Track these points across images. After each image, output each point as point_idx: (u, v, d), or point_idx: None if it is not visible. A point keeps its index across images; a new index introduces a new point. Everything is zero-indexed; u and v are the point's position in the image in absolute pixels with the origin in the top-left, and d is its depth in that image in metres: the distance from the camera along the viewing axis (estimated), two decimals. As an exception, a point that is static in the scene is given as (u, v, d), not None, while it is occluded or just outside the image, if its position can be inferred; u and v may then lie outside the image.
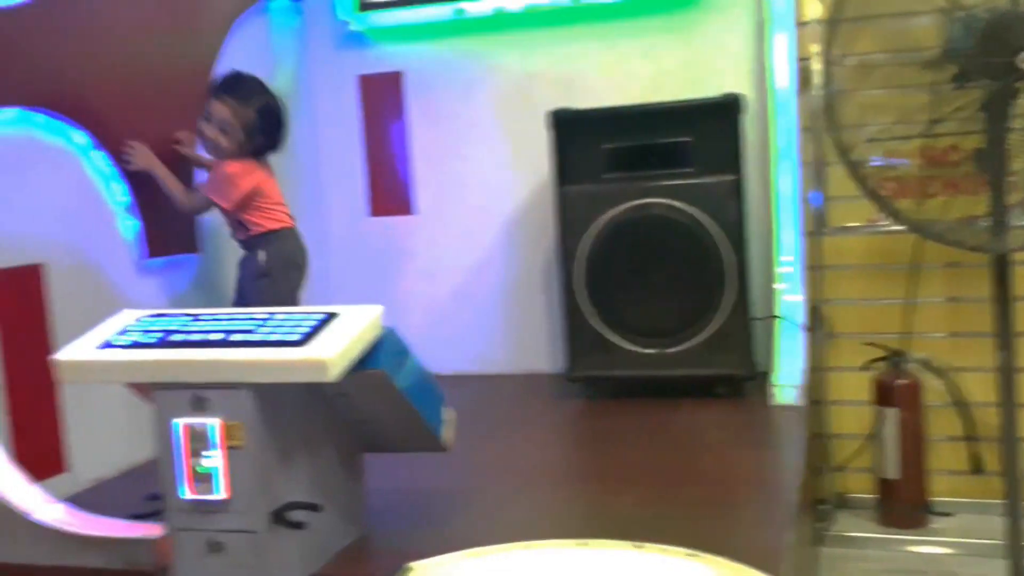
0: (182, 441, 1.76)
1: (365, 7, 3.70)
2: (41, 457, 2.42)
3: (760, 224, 3.31)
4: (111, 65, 2.77)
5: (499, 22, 3.61)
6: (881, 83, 2.97)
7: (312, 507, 1.82)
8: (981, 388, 3.09)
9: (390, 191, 3.80)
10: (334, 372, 1.71)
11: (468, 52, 3.67)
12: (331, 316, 1.83)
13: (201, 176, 3.02)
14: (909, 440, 3.07)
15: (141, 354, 1.81)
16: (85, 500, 2.27)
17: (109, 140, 2.73)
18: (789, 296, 3.17)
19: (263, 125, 2.89)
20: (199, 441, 1.76)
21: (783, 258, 3.21)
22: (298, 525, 1.78)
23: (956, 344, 3.19)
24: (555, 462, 2.73)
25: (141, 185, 2.84)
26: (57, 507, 2.06)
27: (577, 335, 3.17)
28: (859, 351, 3.19)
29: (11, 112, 2.46)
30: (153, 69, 2.95)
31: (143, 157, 2.80)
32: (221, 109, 2.85)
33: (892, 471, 3.09)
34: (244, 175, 2.87)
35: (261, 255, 2.92)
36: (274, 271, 2.92)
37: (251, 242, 2.94)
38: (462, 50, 3.68)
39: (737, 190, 3.05)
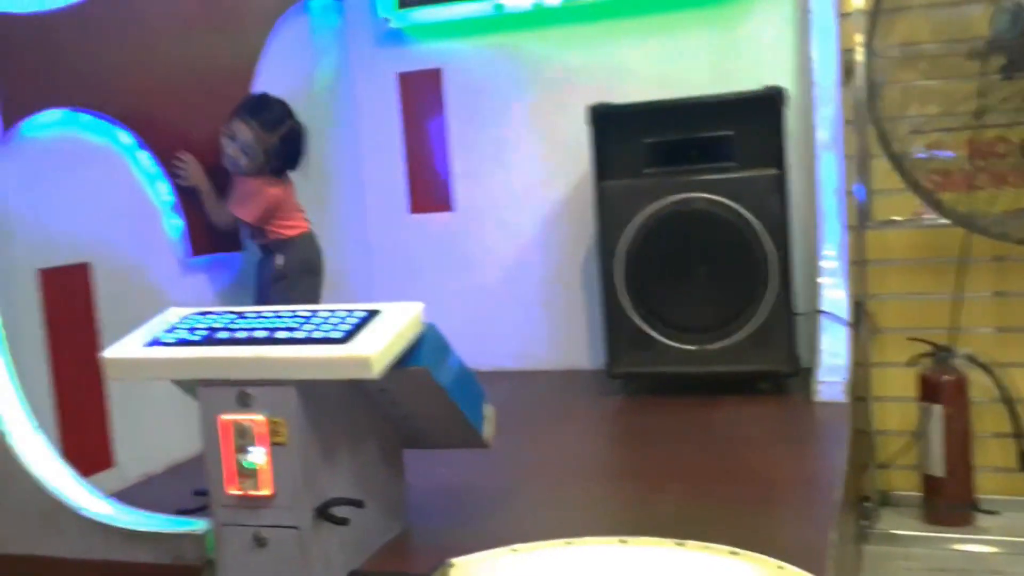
0: (227, 437, 1.78)
1: (404, 4, 3.72)
2: (89, 453, 2.46)
3: (803, 218, 3.28)
4: (155, 65, 2.81)
5: (538, 17, 3.61)
6: (925, 74, 2.94)
7: (355, 503, 1.83)
8: (1029, 384, 3.05)
9: (430, 188, 3.81)
10: (377, 369, 1.72)
11: (507, 48, 3.67)
12: (373, 313, 1.84)
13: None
14: (955, 437, 3.03)
15: (187, 351, 1.83)
16: (132, 495, 2.31)
17: (154, 140, 2.77)
18: (833, 291, 3.13)
19: (283, 150, 3.00)
20: (244, 437, 1.78)
21: (826, 252, 3.17)
22: (342, 521, 1.79)
23: (1003, 339, 3.14)
24: (595, 459, 2.73)
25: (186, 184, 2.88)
26: (105, 502, 2.08)
27: (617, 331, 3.16)
28: (904, 346, 3.16)
29: (57, 113, 2.49)
30: (196, 68, 2.98)
31: (194, 172, 2.89)
32: (245, 131, 2.94)
33: (937, 468, 3.06)
34: (265, 192, 2.98)
35: (279, 259, 3.03)
36: (291, 275, 3.03)
37: (270, 246, 3.05)
38: (501, 46, 3.68)
39: (779, 184, 3.02)
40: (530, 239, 3.70)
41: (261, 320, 1.88)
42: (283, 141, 2.98)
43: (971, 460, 3.07)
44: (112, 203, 2.66)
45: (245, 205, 2.96)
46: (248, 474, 1.78)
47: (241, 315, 1.93)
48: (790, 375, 3.04)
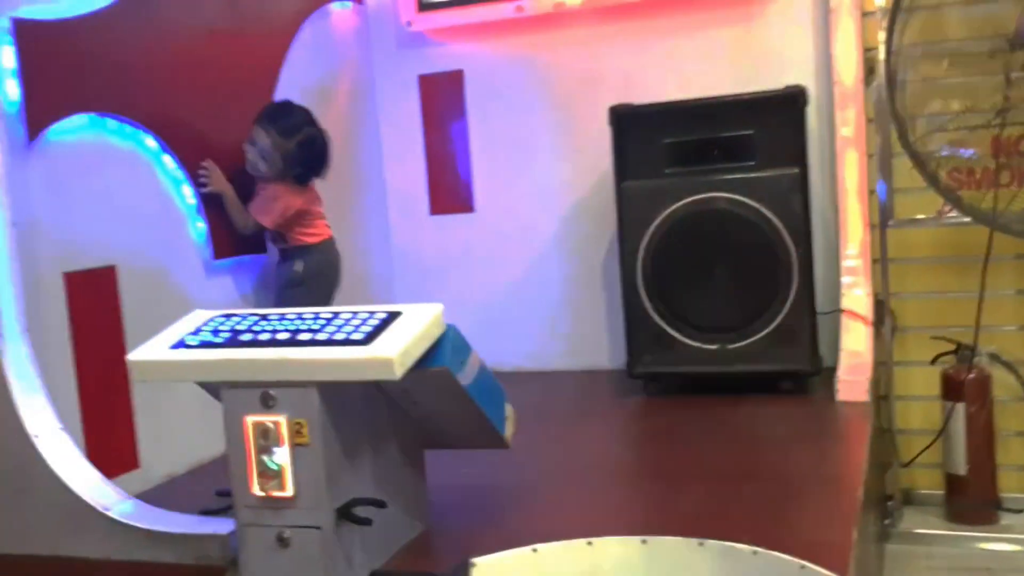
0: (250, 438, 1.80)
1: (425, 7, 3.73)
2: (114, 454, 2.49)
3: (824, 217, 3.27)
4: (179, 70, 2.83)
5: (558, 19, 3.61)
6: (947, 72, 2.92)
7: (377, 503, 1.84)
8: (1053, 382, 3.03)
9: (450, 189, 3.82)
10: (398, 370, 1.73)
11: (528, 50, 3.68)
12: (394, 315, 1.85)
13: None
14: (978, 435, 3.02)
15: (211, 353, 1.85)
16: (156, 496, 2.34)
17: (179, 144, 2.79)
18: (854, 290, 3.12)
19: (301, 156, 3.02)
20: (267, 438, 1.79)
21: (848, 251, 3.16)
22: (364, 521, 1.81)
23: (1026, 337, 3.13)
24: (616, 459, 2.73)
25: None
26: (129, 503, 2.11)
27: (638, 331, 3.16)
28: (926, 345, 3.15)
29: (83, 119, 2.52)
30: (221, 72, 3.01)
31: (218, 180, 2.92)
32: (263, 137, 2.98)
33: (960, 467, 3.04)
34: (286, 198, 3.01)
35: (298, 264, 3.07)
36: (308, 281, 3.06)
37: (289, 252, 3.08)
38: (522, 48, 3.69)
39: (801, 183, 3.02)
40: (550, 239, 3.70)
41: (284, 322, 1.90)
42: (300, 147, 3.01)
43: (994, 458, 3.06)
44: (137, 207, 2.69)
45: (264, 210, 2.99)
46: (271, 475, 1.79)
47: (264, 317, 1.94)
48: (812, 374, 3.03)
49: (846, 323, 3.07)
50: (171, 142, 2.77)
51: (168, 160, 2.79)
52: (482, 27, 3.69)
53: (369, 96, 3.84)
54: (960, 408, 3.03)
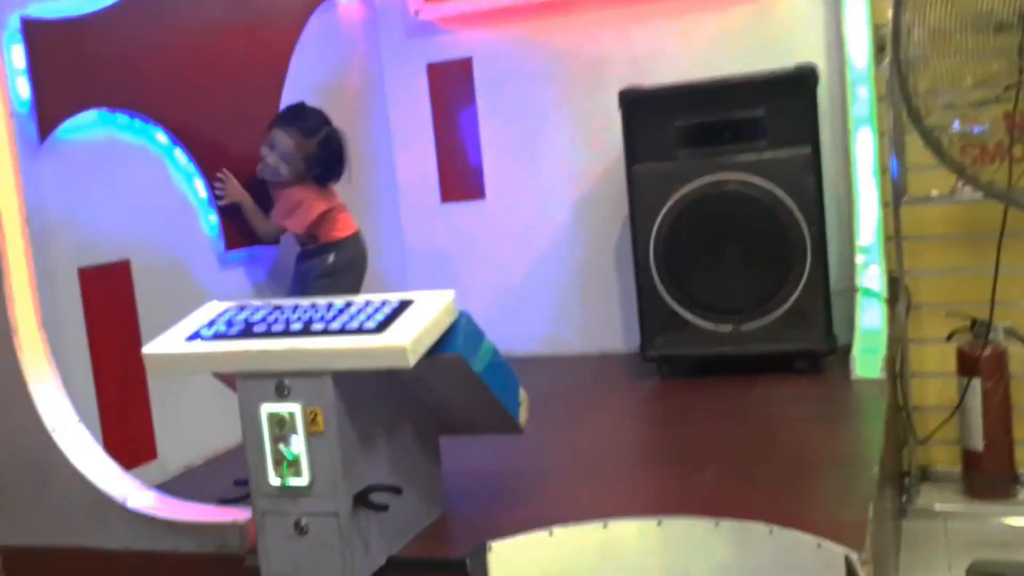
0: (266, 428, 1.81)
1: (432, -4, 3.73)
2: (132, 446, 2.51)
3: (837, 196, 3.26)
4: (188, 64, 2.84)
5: (566, 3, 3.59)
6: (958, 48, 2.90)
7: (393, 489, 1.86)
8: (1070, 356, 3.02)
9: (461, 176, 3.82)
10: (411, 358, 1.74)
11: (537, 35, 3.67)
12: (406, 303, 1.86)
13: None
14: (995, 410, 3.01)
15: (226, 345, 1.86)
16: (175, 487, 2.36)
17: (189, 138, 2.80)
18: (869, 268, 3.11)
19: (323, 157, 3.03)
20: (282, 428, 1.81)
21: (862, 230, 3.15)
22: (380, 507, 1.82)
23: (1043, 312, 3.11)
24: (631, 441, 2.74)
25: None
26: (148, 494, 2.13)
27: (651, 314, 3.16)
28: (941, 322, 3.14)
29: (93, 115, 2.54)
30: (230, 65, 3.02)
31: (234, 191, 2.94)
32: (285, 140, 2.98)
33: (977, 442, 3.04)
34: (311, 201, 3.03)
35: (330, 257, 3.08)
36: (339, 272, 3.08)
37: (320, 248, 3.09)
38: (531, 33, 3.68)
39: (813, 162, 3.01)
40: (562, 224, 3.70)
41: (297, 312, 1.91)
42: (321, 147, 3.02)
43: (1011, 433, 3.05)
44: (150, 201, 2.70)
45: (292, 217, 3.01)
46: (288, 463, 1.81)
47: (278, 308, 1.96)
48: (827, 353, 3.03)
49: (860, 301, 3.06)
50: (182, 136, 2.78)
51: (179, 154, 2.80)
52: (490, 14, 3.69)
53: (378, 86, 3.84)
54: (976, 384, 3.02)
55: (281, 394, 1.81)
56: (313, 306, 1.93)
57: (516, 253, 3.76)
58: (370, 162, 3.73)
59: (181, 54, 2.82)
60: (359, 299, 1.93)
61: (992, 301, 3.00)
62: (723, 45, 3.42)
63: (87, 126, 2.53)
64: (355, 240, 3.14)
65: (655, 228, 3.12)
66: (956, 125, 2.89)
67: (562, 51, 3.65)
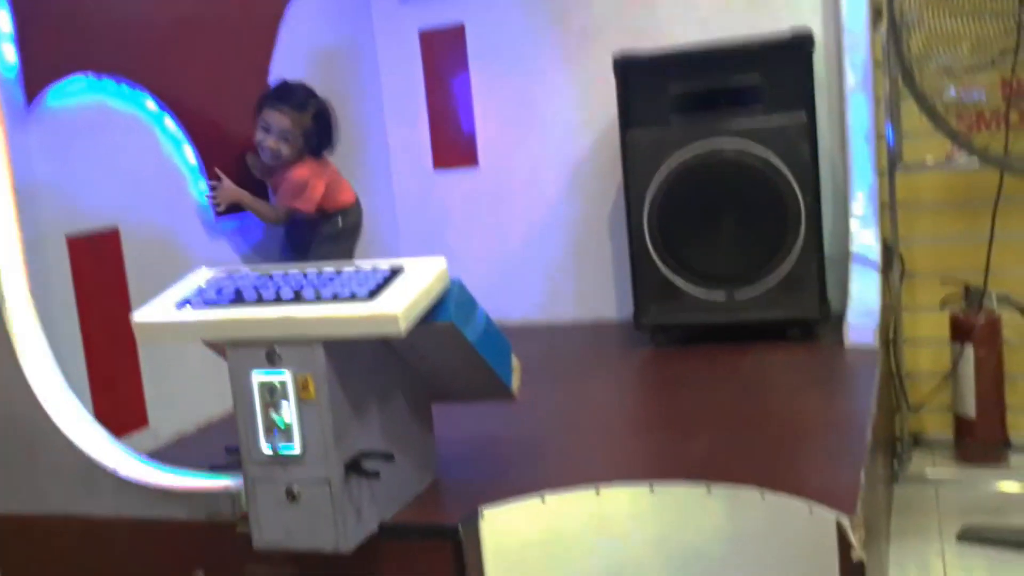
0: (257, 396, 1.80)
1: (424, -40, 3.69)
2: (123, 414, 2.51)
3: (832, 163, 3.25)
4: (178, 29, 2.81)
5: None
6: (954, 13, 2.87)
7: (385, 456, 1.85)
8: (1063, 322, 3.02)
9: (454, 144, 3.80)
10: (403, 325, 1.73)
11: (530, 1, 3.63)
12: (398, 270, 1.85)
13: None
14: (987, 377, 3.02)
15: (215, 313, 1.85)
16: (166, 454, 2.36)
17: (179, 104, 2.77)
18: (863, 235, 3.10)
19: (319, 128, 3.04)
20: (273, 395, 1.80)
21: (856, 197, 3.14)
22: (372, 474, 1.82)
23: (1037, 278, 3.11)
24: (624, 408, 2.74)
25: (210, 149, 2.89)
26: (139, 461, 2.12)
27: (644, 282, 3.15)
28: (935, 289, 3.14)
29: (81, 80, 2.51)
30: (219, 31, 2.99)
31: (229, 193, 2.92)
32: (280, 119, 2.96)
33: (969, 409, 3.04)
34: (315, 177, 3.03)
35: (339, 220, 3.12)
36: (345, 235, 3.14)
37: (325, 214, 3.10)
38: (523, -2, 3.65)
39: (808, 129, 2.99)
40: (556, 191, 3.69)
41: (287, 280, 1.90)
42: (316, 119, 3.02)
43: (1003, 400, 3.05)
44: (138, 169, 2.68)
45: (300, 198, 3.00)
46: (279, 431, 1.80)
47: (268, 275, 1.94)
48: (821, 321, 3.03)
49: (855, 269, 3.06)
50: (171, 103, 2.75)
51: (168, 121, 2.77)
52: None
53: (369, 52, 3.81)
54: (969, 350, 3.02)
55: (272, 362, 1.79)
56: (304, 273, 1.92)
57: (509, 221, 3.75)
58: (362, 130, 3.70)
59: (170, 19, 2.79)
60: (350, 266, 1.92)
61: (986, 268, 3.00)
62: (719, 10, 3.39)
63: (75, 92, 2.50)
64: (357, 205, 3.18)
65: (649, 195, 3.10)
66: (952, 92, 2.87)
67: (556, 17, 3.62)
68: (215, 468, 1.97)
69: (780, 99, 3.04)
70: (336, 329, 1.77)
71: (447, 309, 1.84)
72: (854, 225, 3.11)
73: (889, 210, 3.14)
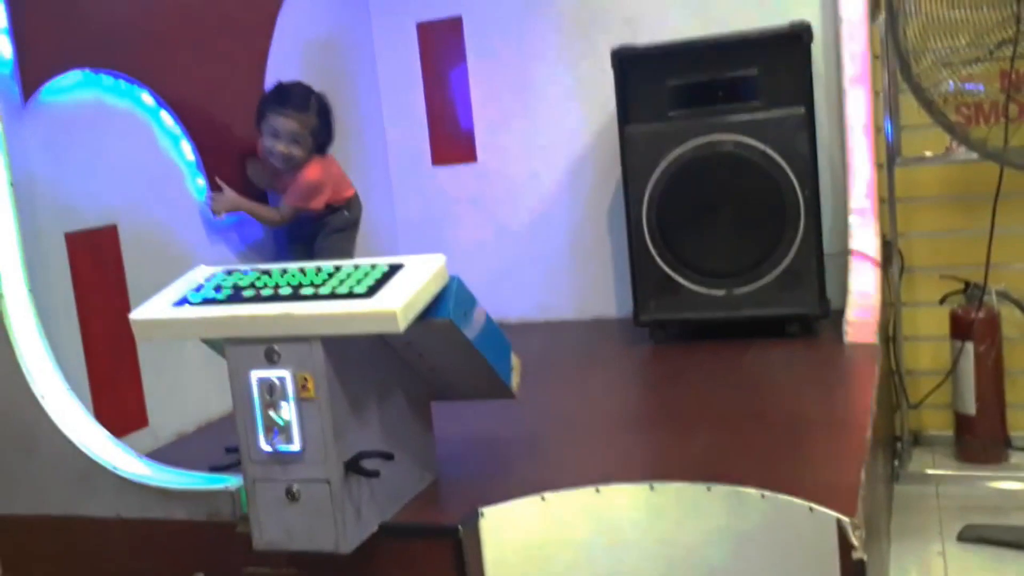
0: (256, 394, 1.80)
1: (421, -47, 3.67)
2: (123, 414, 2.50)
3: (831, 157, 3.24)
4: (175, 22, 2.80)
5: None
6: (952, 3, 2.86)
7: (385, 455, 1.85)
8: (1063, 318, 3.02)
9: (452, 139, 3.79)
10: (401, 323, 1.73)
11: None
12: (397, 267, 1.84)
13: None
14: (987, 374, 3.01)
15: (214, 310, 1.84)
16: (166, 454, 2.35)
17: (176, 99, 2.76)
18: (862, 231, 3.09)
19: (323, 125, 3.03)
20: (272, 394, 1.79)
21: (855, 191, 3.12)
22: (372, 473, 1.81)
23: (1037, 274, 3.11)
24: (623, 406, 2.73)
25: (208, 144, 2.88)
26: (139, 461, 2.12)
27: (644, 278, 3.15)
28: (935, 285, 3.13)
29: (77, 75, 2.49)
30: (217, 23, 2.97)
31: (227, 202, 2.91)
32: (287, 123, 2.94)
33: (969, 406, 3.04)
34: (324, 177, 3.04)
35: (345, 213, 3.13)
36: (352, 227, 3.16)
37: (332, 208, 3.10)
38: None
39: (807, 123, 2.98)
40: (555, 188, 3.67)
41: (286, 277, 1.89)
42: (320, 116, 3.01)
43: (1004, 397, 3.05)
44: (136, 165, 2.66)
45: (313, 197, 3.01)
46: (278, 430, 1.80)
47: (266, 273, 1.93)
48: (820, 317, 3.02)
49: (854, 264, 3.05)
50: (168, 98, 2.74)
51: (165, 116, 2.76)
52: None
53: (367, 45, 3.79)
54: (969, 347, 3.02)
55: (271, 360, 1.79)
56: (302, 270, 1.91)
57: (509, 217, 3.73)
58: (359, 125, 3.69)
59: (166, 13, 2.77)
60: (348, 263, 1.91)
61: (987, 264, 2.99)
62: (717, 2, 3.37)
63: (72, 87, 2.49)
64: (357, 196, 3.19)
65: (647, 191, 3.09)
66: (951, 85, 2.86)
67: (554, 10, 3.60)
68: (215, 468, 1.97)
69: (778, 92, 3.03)
70: (335, 326, 1.76)
71: (446, 306, 1.84)
72: (853, 220, 3.10)
73: (888, 204, 3.13)
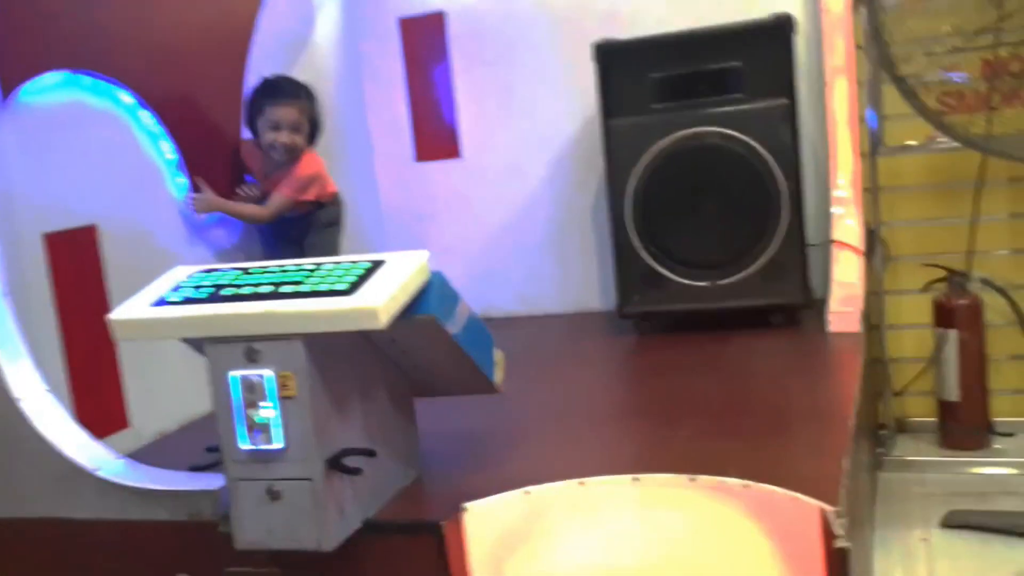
0: (237, 393, 1.79)
1: (403, -53, 3.65)
2: (104, 414, 2.49)
3: (815, 148, 3.24)
4: (154, 22, 2.78)
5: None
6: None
7: (367, 453, 1.84)
8: (1045, 305, 3.03)
9: (436, 135, 3.78)
10: (383, 319, 1.72)
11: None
12: (378, 263, 1.84)
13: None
14: (970, 361, 3.02)
15: (194, 309, 1.83)
16: (148, 455, 2.34)
17: (155, 98, 2.75)
18: (845, 220, 3.09)
19: (317, 113, 3.05)
20: (254, 393, 1.78)
21: (838, 181, 3.13)
22: (354, 471, 1.81)
23: (1019, 261, 3.12)
24: (608, 399, 2.73)
25: (188, 143, 2.86)
26: (119, 462, 2.11)
27: (627, 270, 3.15)
28: (918, 273, 3.14)
29: (57, 76, 2.48)
30: (197, 23, 2.96)
31: (207, 203, 2.89)
32: (288, 112, 2.94)
33: (953, 393, 3.05)
34: (319, 167, 3.06)
35: (332, 209, 3.13)
36: (339, 222, 3.17)
37: (323, 204, 3.10)
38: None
39: (790, 114, 2.99)
40: (539, 181, 3.66)
41: (266, 275, 1.88)
42: (312, 101, 3.03)
43: (987, 383, 3.06)
44: (115, 164, 2.66)
45: (309, 188, 3.01)
46: (259, 429, 1.79)
47: (246, 271, 1.93)
48: (803, 307, 3.03)
49: (837, 254, 3.04)
50: (147, 97, 2.72)
51: (144, 116, 2.74)
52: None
53: (349, 41, 3.77)
54: (952, 334, 3.02)
55: (251, 359, 1.78)
56: (282, 268, 1.90)
57: (493, 212, 3.72)
58: (342, 121, 3.68)
59: (145, 12, 2.76)
60: (329, 260, 1.90)
61: (969, 252, 3.00)
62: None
63: (50, 88, 2.48)
64: (339, 193, 3.18)
65: (631, 183, 3.09)
66: (933, 73, 2.86)
67: (537, 4, 3.59)
68: (196, 468, 1.96)
69: (762, 84, 3.02)
70: (316, 324, 1.76)
71: (428, 302, 1.83)
72: (836, 210, 3.10)
73: (871, 194, 3.14)
